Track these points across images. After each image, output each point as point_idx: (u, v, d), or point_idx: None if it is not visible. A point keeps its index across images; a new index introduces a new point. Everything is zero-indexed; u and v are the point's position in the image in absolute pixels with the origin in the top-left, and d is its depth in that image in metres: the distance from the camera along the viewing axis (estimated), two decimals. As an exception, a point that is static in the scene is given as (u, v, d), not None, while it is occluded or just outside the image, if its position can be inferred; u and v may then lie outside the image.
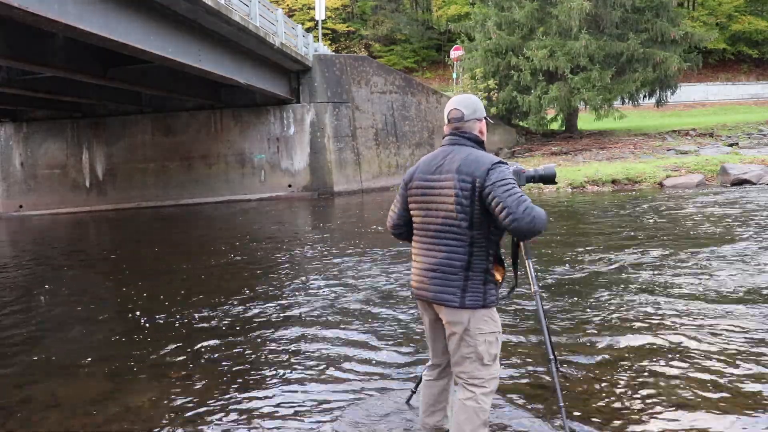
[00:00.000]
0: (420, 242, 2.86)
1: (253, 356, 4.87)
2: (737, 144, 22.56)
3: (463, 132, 2.83)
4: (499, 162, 2.70)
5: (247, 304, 6.53)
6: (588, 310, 5.53)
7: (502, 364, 3.28)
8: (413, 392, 3.68)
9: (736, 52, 40.95)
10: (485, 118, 2.90)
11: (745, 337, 4.56)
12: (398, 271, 7.51)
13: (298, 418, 3.69)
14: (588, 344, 4.63)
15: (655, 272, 6.78)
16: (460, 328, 2.74)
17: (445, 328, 2.83)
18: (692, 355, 4.29)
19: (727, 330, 4.74)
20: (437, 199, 2.75)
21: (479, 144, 2.84)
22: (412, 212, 2.90)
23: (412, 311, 5.71)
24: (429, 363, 3.08)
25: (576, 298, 5.93)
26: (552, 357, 3.28)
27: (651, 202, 13.47)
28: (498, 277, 2.78)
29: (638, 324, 5.03)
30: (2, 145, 22.17)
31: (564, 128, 27.91)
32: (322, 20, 29.67)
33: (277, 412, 3.80)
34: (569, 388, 3.82)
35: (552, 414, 3.49)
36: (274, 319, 5.90)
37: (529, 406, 3.63)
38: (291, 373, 4.44)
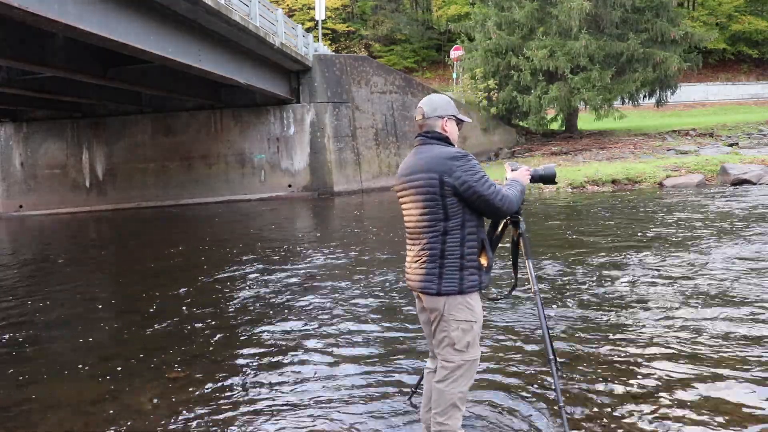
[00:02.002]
0: (407, 237, 3.07)
1: (253, 355, 4.88)
2: (737, 144, 22.54)
3: (426, 131, 3.01)
4: (463, 155, 2.86)
5: (248, 304, 6.53)
6: (588, 309, 5.53)
7: (491, 360, 3.28)
8: (414, 391, 3.69)
9: (736, 52, 40.95)
10: (454, 116, 3.03)
11: (749, 341, 4.56)
12: (400, 269, 7.51)
13: (299, 416, 3.69)
14: (589, 344, 4.63)
15: (656, 272, 6.79)
16: (437, 313, 2.93)
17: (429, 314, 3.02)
18: (694, 356, 4.29)
19: (729, 331, 4.74)
20: (413, 197, 2.95)
21: (444, 141, 2.99)
22: (402, 212, 3.08)
23: (411, 307, 5.72)
24: (430, 353, 3.23)
25: (577, 298, 5.93)
26: (552, 357, 3.28)
27: (652, 202, 13.48)
28: (483, 262, 2.93)
29: (639, 324, 5.03)
30: (2, 145, 22.17)
31: (564, 128, 27.90)
32: (322, 20, 29.67)
33: (277, 411, 3.80)
34: (569, 388, 3.83)
35: (552, 414, 3.49)
36: (274, 318, 5.90)
37: (529, 406, 3.63)
38: (292, 371, 4.44)
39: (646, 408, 3.54)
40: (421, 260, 2.94)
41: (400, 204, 3.08)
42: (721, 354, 4.28)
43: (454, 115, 3.02)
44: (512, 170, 3.30)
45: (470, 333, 2.93)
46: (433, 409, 2.98)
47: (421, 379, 3.40)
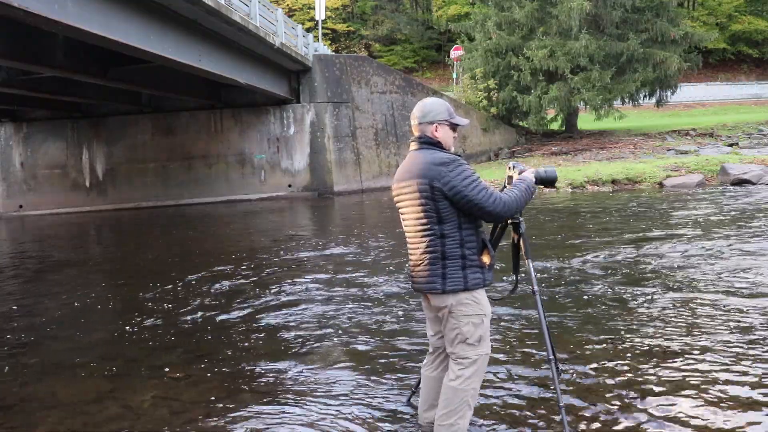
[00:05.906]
0: (408, 240, 3.11)
1: (253, 355, 4.88)
2: (737, 144, 22.55)
3: (419, 136, 3.04)
4: (452, 161, 2.87)
5: (248, 305, 6.53)
6: (588, 310, 5.53)
7: (491, 360, 3.27)
8: (413, 391, 3.69)
9: (736, 52, 41.02)
10: (447, 121, 3.01)
11: (751, 340, 4.56)
12: (398, 270, 7.52)
13: (299, 416, 3.69)
14: (589, 344, 4.63)
15: (656, 271, 6.79)
16: (445, 311, 2.98)
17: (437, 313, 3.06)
18: (695, 355, 4.29)
19: (728, 330, 4.74)
20: (408, 203, 2.99)
21: (436, 145, 3.00)
22: (400, 216, 3.12)
23: (408, 308, 5.72)
24: (429, 350, 3.28)
25: (577, 298, 5.93)
26: (552, 357, 3.28)
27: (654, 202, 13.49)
28: (485, 260, 2.97)
29: (639, 324, 5.03)
30: (2, 145, 22.16)
31: (564, 128, 27.92)
32: (322, 20, 29.68)
33: (277, 410, 3.80)
34: (569, 389, 3.82)
35: (552, 415, 3.49)
36: (274, 319, 5.90)
37: (529, 407, 3.63)
38: (292, 372, 4.44)
39: (648, 409, 3.54)
40: (424, 262, 2.98)
41: (397, 209, 3.11)
42: (727, 352, 4.27)
43: (446, 120, 3.02)
44: (519, 171, 3.27)
45: (481, 327, 2.98)
46: (443, 410, 2.98)
47: (420, 380, 3.40)
